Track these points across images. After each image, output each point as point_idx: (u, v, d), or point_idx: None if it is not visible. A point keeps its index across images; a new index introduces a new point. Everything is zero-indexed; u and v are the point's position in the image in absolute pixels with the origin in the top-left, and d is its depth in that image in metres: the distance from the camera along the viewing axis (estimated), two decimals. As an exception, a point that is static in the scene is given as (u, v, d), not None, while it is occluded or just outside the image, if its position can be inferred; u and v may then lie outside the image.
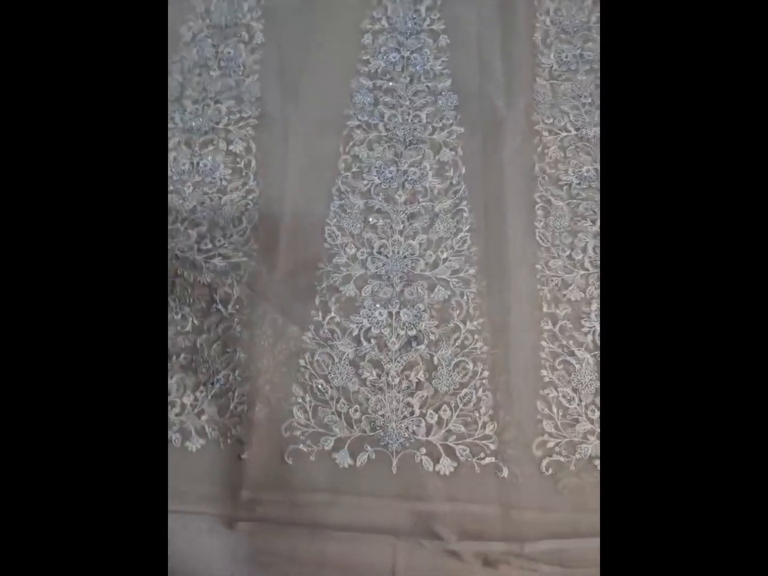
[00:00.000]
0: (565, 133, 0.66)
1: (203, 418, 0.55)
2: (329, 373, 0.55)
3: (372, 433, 0.53)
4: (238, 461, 0.53)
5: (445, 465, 0.51)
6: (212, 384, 0.56)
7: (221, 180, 0.66)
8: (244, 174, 0.66)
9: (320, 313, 0.58)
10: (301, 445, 0.53)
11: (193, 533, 0.50)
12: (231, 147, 0.68)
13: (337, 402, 0.54)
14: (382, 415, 0.53)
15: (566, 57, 0.71)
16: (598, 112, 0.67)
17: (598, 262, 0.59)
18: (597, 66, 0.70)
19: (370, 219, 0.63)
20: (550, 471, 0.51)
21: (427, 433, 0.53)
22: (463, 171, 0.65)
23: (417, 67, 0.72)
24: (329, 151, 0.67)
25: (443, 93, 0.70)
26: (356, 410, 0.54)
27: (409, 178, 0.65)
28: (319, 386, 0.55)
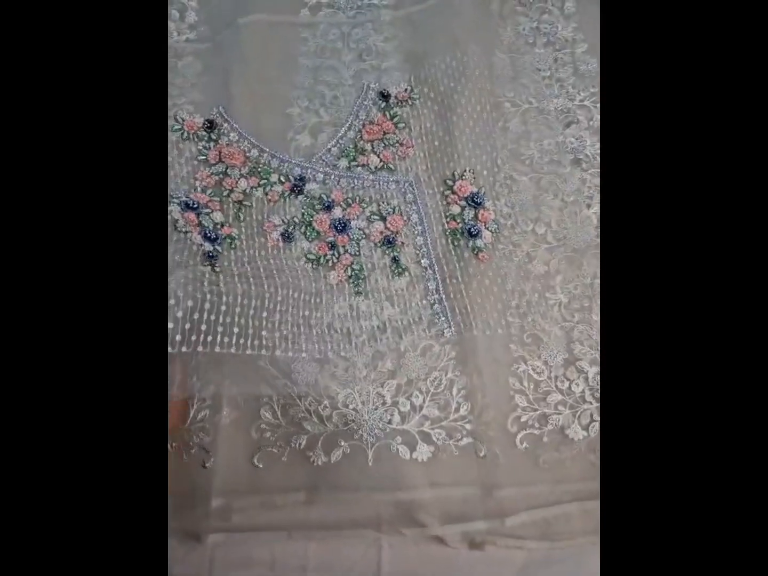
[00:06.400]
0: (526, 106, 0.64)
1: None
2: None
3: (345, 428, 0.51)
4: (203, 470, 0.50)
5: (422, 451, 0.50)
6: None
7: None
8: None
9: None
10: (272, 448, 0.50)
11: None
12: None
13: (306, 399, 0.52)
14: (354, 409, 0.52)
15: (524, 30, 0.68)
16: (557, 86, 0.65)
17: (561, 236, 0.59)
18: (554, 39, 0.68)
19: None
20: (525, 445, 0.51)
21: (402, 422, 0.51)
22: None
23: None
24: None
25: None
26: (326, 407, 0.51)
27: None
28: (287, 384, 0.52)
